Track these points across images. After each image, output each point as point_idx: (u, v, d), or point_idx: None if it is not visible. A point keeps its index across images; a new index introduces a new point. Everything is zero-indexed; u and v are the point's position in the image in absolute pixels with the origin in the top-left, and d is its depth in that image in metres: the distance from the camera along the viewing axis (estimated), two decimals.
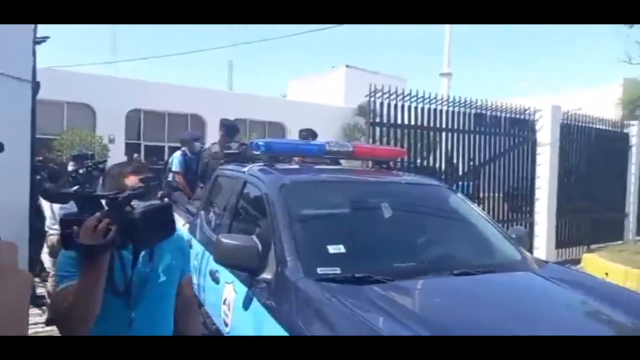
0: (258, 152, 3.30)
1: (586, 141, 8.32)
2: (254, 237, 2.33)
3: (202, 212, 3.54)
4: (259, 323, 2.09)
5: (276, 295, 2.08)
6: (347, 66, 21.90)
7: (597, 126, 8.59)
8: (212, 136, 6.72)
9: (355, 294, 1.98)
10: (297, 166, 3.52)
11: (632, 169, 9.25)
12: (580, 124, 8.19)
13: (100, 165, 4.67)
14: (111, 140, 15.92)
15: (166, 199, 5.35)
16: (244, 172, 3.08)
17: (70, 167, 6.50)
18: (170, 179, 5.53)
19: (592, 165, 8.44)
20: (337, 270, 2.13)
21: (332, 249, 2.28)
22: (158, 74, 41.07)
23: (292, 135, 16.05)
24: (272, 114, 18.42)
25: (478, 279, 2.28)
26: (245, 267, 2.22)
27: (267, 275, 2.19)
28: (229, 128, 5.15)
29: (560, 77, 51.10)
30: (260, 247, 2.22)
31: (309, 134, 5.53)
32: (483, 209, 6.48)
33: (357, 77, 19.58)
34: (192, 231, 3.60)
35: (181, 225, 4.01)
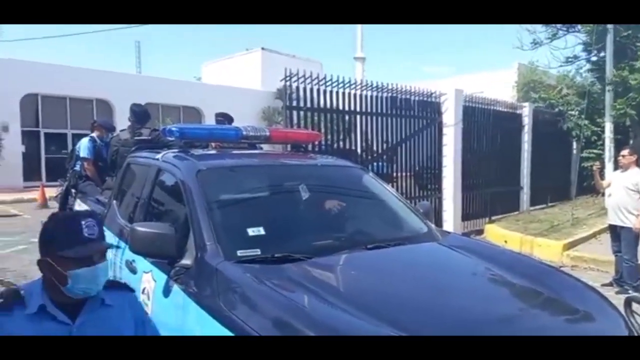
0: (172, 139, 3.22)
1: (486, 121, 9.07)
2: (168, 224, 2.31)
3: (114, 202, 3.39)
4: (180, 309, 2.08)
5: (197, 280, 2.09)
6: (262, 49, 21.62)
7: (495, 108, 9.39)
8: (121, 123, 6.36)
9: (276, 273, 2.04)
10: (213, 151, 3.48)
11: (525, 146, 10.27)
12: (480, 105, 8.91)
13: None
14: (4, 128, 14.43)
15: (73, 190, 5.01)
16: (157, 159, 2.99)
17: None
18: (77, 167, 5.17)
19: (491, 144, 9.24)
20: (257, 252, 2.19)
21: (252, 231, 2.32)
22: (59, 56, 37.40)
23: (209, 120, 15.63)
24: (187, 98, 17.73)
25: (389, 251, 2.46)
26: (163, 254, 2.19)
27: (186, 261, 2.18)
28: (140, 114, 4.91)
29: (464, 61, 54.57)
30: (176, 234, 2.21)
31: (225, 118, 5.45)
32: (396, 187, 6.86)
33: (274, 60, 19.44)
34: (104, 222, 3.44)
35: None
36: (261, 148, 3.91)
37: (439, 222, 7.61)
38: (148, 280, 2.42)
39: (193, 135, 3.27)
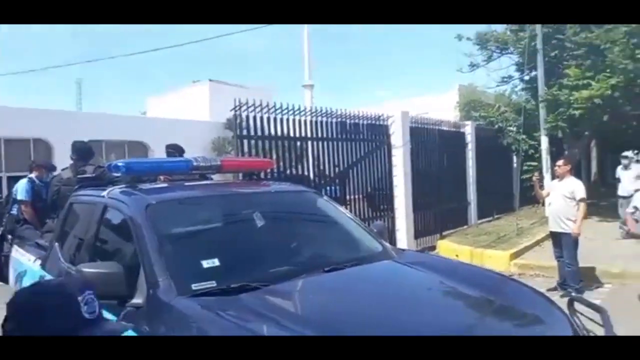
0: (118, 174, 3.12)
1: (432, 141, 9.42)
2: (115, 263, 2.22)
3: (56, 244, 3.21)
4: None
5: (150, 319, 2.00)
6: (210, 80, 21.56)
7: (440, 127, 9.79)
8: (61, 162, 6.08)
9: (233, 303, 2.00)
10: (163, 185, 3.40)
11: (470, 162, 10.72)
12: (426, 126, 9.26)
13: None
14: None
15: (9, 236, 4.70)
16: (103, 196, 2.88)
17: None
18: (14, 211, 4.87)
19: (438, 162, 9.58)
20: (213, 284, 2.14)
21: (206, 263, 2.27)
22: None
23: (157, 154, 15.24)
24: (132, 133, 17.19)
25: (346, 272, 2.47)
26: (112, 295, 2.09)
27: (137, 300, 2.10)
28: (83, 151, 4.73)
29: (409, 85, 56.58)
30: (125, 272, 2.12)
31: (175, 150, 5.35)
32: (350, 210, 6.93)
33: (222, 91, 19.38)
34: (45, 267, 3.24)
35: (32, 262, 3.58)
36: (211, 179, 3.86)
37: (392, 241, 7.73)
38: None
39: (140, 170, 3.19)
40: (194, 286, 2.10)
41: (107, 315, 2.20)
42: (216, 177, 4.16)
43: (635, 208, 4.73)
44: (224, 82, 21.38)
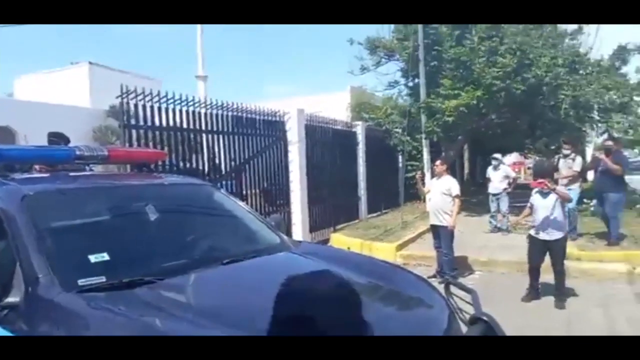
0: None
1: (326, 139, 9.75)
2: None
3: None
4: None
5: (28, 318, 1.83)
6: (90, 63, 19.76)
7: (334, 126, 10.17)
8: None
9: (124, 298, 1.91)
10: (42, 175, 3.07)
11: (360, 160, 11.31)
12: (320, 124, 9.55)
13: None
14: None
15: None
16: None
17: None
18: None
19: (332, 159, 9.95)
20: (102, 279, 2.02)
21: (94, 258, 2.13)
22: None
23: (28, 142, 13.59)
24: None
25: (244, 264, 2.49)
26: None
27: (12, 299, 1.89)
28: None
29: (304, 82, 57.56)
30: None
31: (59, 138, 4.83)
32: (247, 204, 6.90)
33: (104, 76, 17.94)
34: None
35: None
36: (92, 170, 3.58)
37: (289, 235, 7.82)
38: None
39: (12, 157, 2.87)
40: (81, 282, 1.96)
41: None
42: (99, 169, 3.86)
43: (532, 203, 5.33)
44: (106, 66, 19.75)
